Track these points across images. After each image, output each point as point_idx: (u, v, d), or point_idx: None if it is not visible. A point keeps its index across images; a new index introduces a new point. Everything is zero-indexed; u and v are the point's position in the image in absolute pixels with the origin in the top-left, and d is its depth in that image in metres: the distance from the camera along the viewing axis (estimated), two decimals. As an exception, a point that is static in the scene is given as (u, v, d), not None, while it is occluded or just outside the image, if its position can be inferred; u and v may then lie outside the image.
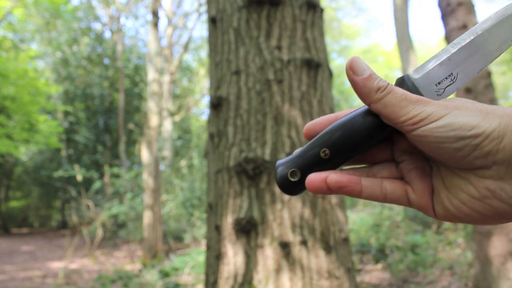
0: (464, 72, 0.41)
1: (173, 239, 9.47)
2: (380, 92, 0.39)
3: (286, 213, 1.42)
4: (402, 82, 0.42)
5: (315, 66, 1.61)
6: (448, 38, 3.74)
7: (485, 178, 0.36)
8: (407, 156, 0.43)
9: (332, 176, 0.41)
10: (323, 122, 0.44)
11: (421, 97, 0.38)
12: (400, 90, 0.39)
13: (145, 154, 8.45)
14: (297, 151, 0.44)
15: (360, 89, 0.40)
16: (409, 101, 0.38)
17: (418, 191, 0.41)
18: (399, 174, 0.43)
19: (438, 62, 0.41)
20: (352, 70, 0.40)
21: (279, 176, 0.44)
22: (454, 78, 0.41)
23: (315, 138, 0.43)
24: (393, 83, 0.42)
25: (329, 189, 0.41)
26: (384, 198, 0.42)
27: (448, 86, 0.41)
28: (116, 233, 11.04)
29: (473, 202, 0.36)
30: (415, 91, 0.41)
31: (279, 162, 0.45)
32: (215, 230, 1.54)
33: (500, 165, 0.34)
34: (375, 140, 0.42)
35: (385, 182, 0.42)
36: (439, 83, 0.41)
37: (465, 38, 0.41)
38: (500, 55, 0.41)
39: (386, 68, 25.34)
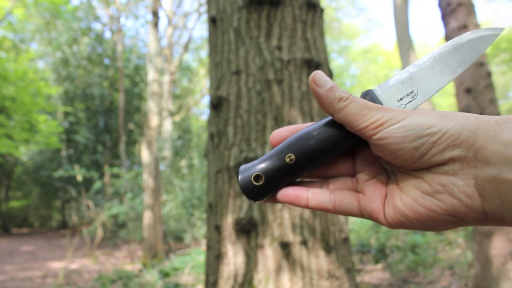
0: (423, 90, 0.44)
1: (173, 239, 9.47)
2: (342, 102, 0.40)
3: (286, 213, 1.42)
4: (366, 96, 0.44)
5: (315, 66, 1.61)
6: (448, 38, 3.74)
7: (439, 174, 0.37)
8: (367, 167, 0.44)
9: (281, 192, 0.44)
10: (290, 130, 0.46)
11: (381, 105, 0.40)
12: (361, 100, 0.41)
13: (145, 154, 8.45)
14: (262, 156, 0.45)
15: (323, 100, 0.41)
16: (370, 109, 0.40)
17: (370, 195, 0.42)
18: (353, 186, 0.45)
19: (400, 80, 0.44)
20: (315, 83, 0.42)
21: (242, 180, 0.44)
22: (414, 95, 0.44)
23: (281, 144, 0.44)
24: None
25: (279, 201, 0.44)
26: (333, 208, 0.43)
27: (409, 102, 0.43)
28: (116, 233, 11.04)
29: (424, 198, 0.37)
30: (378, 103, 0.43)
31: (242, 166, 0.45)
32: (215, 230, 1.54)
33: (456, 161, 0.35)
34: (339, 148, 0.43)
35: (334, 192, 0.44)
36: (401, 99, 0.44)
37: (424, 61, 0.45)
38: (455, 77, 0.45)
39: (386, 68, 25.30)
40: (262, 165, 0.43)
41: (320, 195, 0.43)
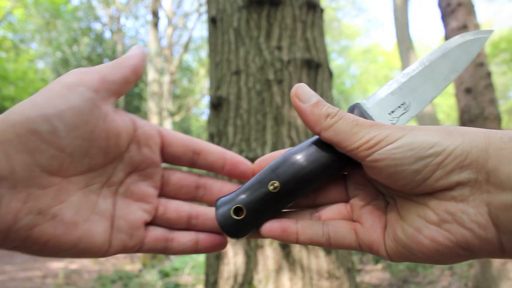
0: (416, 100, 0.40)
1: (173, 239, 9.47)
2: (330, 119, 0.36)
3: (286, 213, 1.42)
4: (353, 110, 0.40)
5: (315, 66, 1.61)
6: (448, 38, 3.74)
7: (446, 200, 0.32)
8: (360, 191, 0.39)
9: (266, 226, 0.38)
10: (275, 157, 0.40)
11: (375, 121, 0.36)
12: (351, 116, 0.36)
13: (145, 154, 8.46)
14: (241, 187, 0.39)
15: (308, 117, 0.37)
16: (361, 126, 0.35)
17: (369, 225, 0.37)
18: (348, 214, 0.40)
19: (389, 91, 0.41)
20: (297, 97, 0.38)
21: (220, 215, 0.38)
22: (407, 106, 0.40)
23: (262, 170, 0.39)
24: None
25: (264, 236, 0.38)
26: (327, 241, 0.37)
27: (402, 114, 0.40)
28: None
29: (429, 228, 0.32)
30: (368, 119, 0.39)
31: (220, 199, 0.39)
32: (215, 230, 1.54)
33: (465, 185, 0.31)
34: (329, 172, 0.38)
35: (327, 223, 0.38)
36: (392, 111, 0.40)
37: (414, 69, 0.41)
38: (448, 84, 0.42)
39: (386, 68, 25.31)
40: (243, 196, 0.38)
41: (311, 227, 0.38)
